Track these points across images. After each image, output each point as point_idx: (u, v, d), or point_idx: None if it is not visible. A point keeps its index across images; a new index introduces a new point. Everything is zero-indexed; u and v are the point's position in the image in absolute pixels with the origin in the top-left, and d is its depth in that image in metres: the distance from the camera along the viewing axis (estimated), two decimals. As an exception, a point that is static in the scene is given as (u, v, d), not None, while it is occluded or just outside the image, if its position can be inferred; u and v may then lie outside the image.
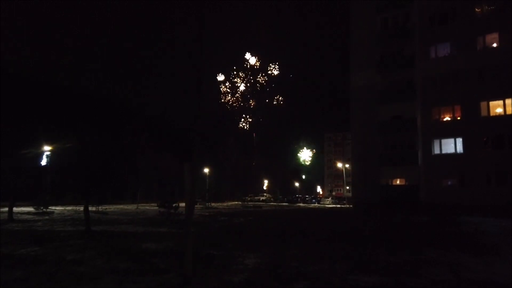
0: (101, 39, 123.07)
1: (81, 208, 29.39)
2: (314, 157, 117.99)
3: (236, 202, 58.24)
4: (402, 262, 8.16)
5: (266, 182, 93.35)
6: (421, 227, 16.92)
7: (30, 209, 25.80)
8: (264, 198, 69.87)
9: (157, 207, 21.55)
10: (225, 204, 52.39)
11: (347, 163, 73.25)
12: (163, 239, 11.53)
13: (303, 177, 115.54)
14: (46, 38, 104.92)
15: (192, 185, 5.85)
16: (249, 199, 64.50)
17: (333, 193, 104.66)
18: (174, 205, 19.11)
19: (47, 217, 21.37)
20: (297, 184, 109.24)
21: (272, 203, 60.85)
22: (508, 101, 25.25)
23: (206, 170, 58.82)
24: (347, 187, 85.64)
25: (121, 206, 36.56)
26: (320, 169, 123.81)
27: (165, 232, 13.65)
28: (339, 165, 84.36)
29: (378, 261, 8.28)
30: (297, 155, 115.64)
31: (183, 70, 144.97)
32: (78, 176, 14.97)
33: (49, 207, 27.99)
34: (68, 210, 27.52)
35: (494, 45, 26.61)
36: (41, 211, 24.41)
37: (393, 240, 12.23)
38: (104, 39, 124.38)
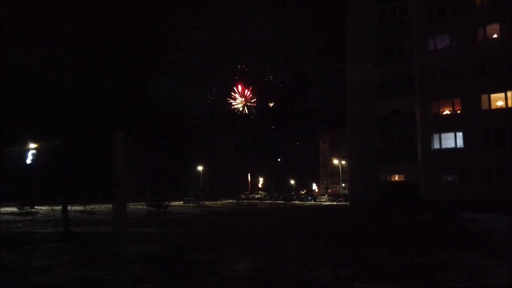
0: (90, 37, 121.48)
1: (68, 208, 28.39)
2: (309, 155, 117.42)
3: (231, 201, 57.26)
4: (412, 265, 7.27)
5: (261, 180, 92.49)
6: (424, 225, 16.08)
7: (15, 209, 24.64)
8: (259, 196, 68.99)
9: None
10: (219, 202, 51.40)
11: (343, 160, 72.50)
12: (147, 241, 10.56)
13: (298, 175, 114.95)
14: (33, 35, 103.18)
15: (128, 165, 3.43)
16: (244, 197, 63.57)
17: (329, 191, 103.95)
18: (164, 203, 18.15)
19: (30, 217, 20.29)
20: (292, 181, 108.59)
21: (267, 201, 59.96)
22: (509, 93, 24.48)
23: (200, 168, 57.76)
24: (343, 185, 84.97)
25: (111, 206, 35.50)
26: (315, 166, 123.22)
27: (152, 233, 12.69)
28: (335, 162, 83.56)
29: (385, 264, 7.39)
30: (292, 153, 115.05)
31: (177, 67, 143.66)
32: (60, 174, 13.97)
33: (35, 207, 26.90)
34: (55, 210, 26.40)
35: (495, 36, 25.84)
36: (25, 211, 23.26)
37: (397, 239, 11.37)
38: (93, 37, 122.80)
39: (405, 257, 8.17)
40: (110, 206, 35.35)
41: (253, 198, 65.28)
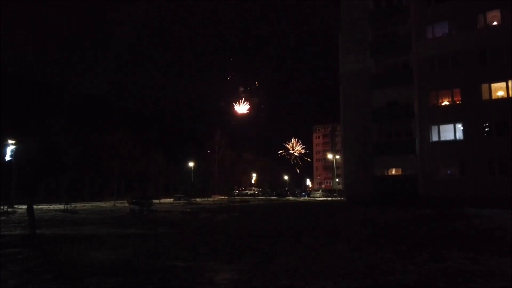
0: (87, 29, 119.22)
1: (52, 207, 26.94)
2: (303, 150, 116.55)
3: (223, 197, 56.02)
4: (429, 273, 6.09)
5: (254, 175, 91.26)
6: (428, 222, 14.96)
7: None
8: (252, 192, 67.75)
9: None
10: (211, 199, 50.16)
11: (337, 155, 71.55)
12: (121, 245, 9.28)
13: (292, 170, 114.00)
14: (16, 28, 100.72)
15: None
16: (236, 193, 62.34)
17: (323, 186, 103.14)
18: (146, 201, 16.85)
19: (4, 218, 18.85)
20: (286, 177, 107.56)
21: (260, 197, 58.81)
22: (511, 83, 23.44)
23: (191, 164, 56.36)
24: (337, 180, 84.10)
25: (98, 204, 34.13)
26: (309, 161, 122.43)
27: (130, 235, 11.39)
28: (329, 156, 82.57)
29: (396, 272, 6.19)
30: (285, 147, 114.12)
31: (170, 64, 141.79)
32: (28, 171, 12.62)
33: (15, 206, 25.46)
34: (36, 209, 24.90)
35: (495, 23, 24.77)
36: (1, 210, 21.79)
37: (401, 239, 10.21)
38: (89, 28, 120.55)
39: (418, 262, 7.01)
40: (97, 204, 34.05)
41: (246, 194, 64.05)
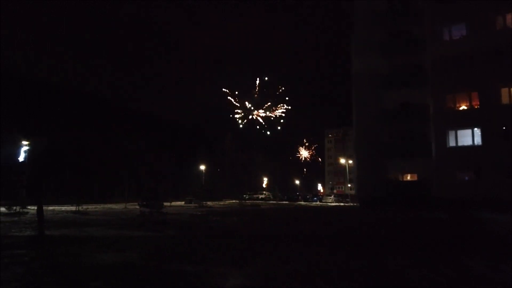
0: (95, 33, 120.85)
1: (63, 208, 27.04)
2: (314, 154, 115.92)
3: (234, 201, 55.79)
4: (447, 281, 5.74)
5: (265, 179, 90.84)
6: (443, 226, 14.50)
7: (3, 209, 23.21)
8: (263, 196, 67.31)
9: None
10: (222, 202, 49.95)
11: (349, 160, 70.78)
12: (129, 247, 9.11)
13: (303, 174, 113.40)
14: (30, 29, 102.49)
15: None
16: (247, 197, 62.04)
17: (334, 191, 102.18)
18: (156, 203, 16.68)
19: (15, 218, 18.87)
20: (297, 181, 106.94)
21: (271, 201, 58.42)
22: (531, 86, 22.79)
23: (202, 167, 56.36)
24: (349, 185, 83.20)
25: (109, 206, 34.18)
26: (320, 166, 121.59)
27: (138, 237, 11.23)
28: (342, 161, 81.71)
29: (412, 279, 5.86)
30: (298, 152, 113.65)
31: (177, 66, 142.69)
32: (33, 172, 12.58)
33: (28, 207, 25.58)
34: (46, 211, 25.01)
35: (515, 25, 24.15)
36: (13, 211, 21.82)
37: (417, 244, 9.83)
38: (98, 32, 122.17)
39: (435, 269, 6.65)
40: (106, 206, 34.12)
41: (257, 198, 63.68)
